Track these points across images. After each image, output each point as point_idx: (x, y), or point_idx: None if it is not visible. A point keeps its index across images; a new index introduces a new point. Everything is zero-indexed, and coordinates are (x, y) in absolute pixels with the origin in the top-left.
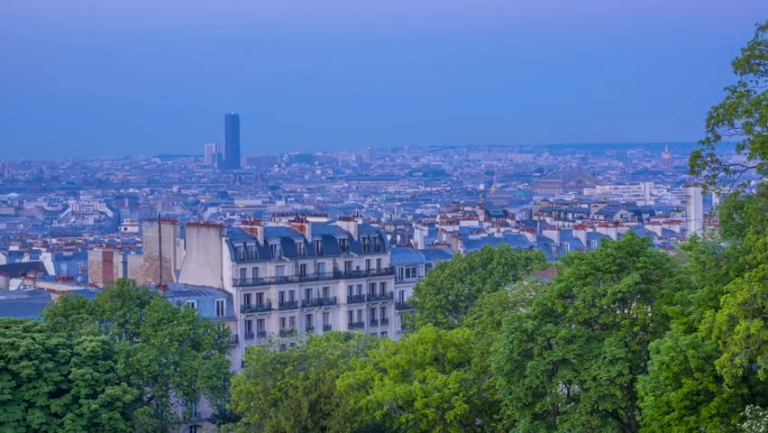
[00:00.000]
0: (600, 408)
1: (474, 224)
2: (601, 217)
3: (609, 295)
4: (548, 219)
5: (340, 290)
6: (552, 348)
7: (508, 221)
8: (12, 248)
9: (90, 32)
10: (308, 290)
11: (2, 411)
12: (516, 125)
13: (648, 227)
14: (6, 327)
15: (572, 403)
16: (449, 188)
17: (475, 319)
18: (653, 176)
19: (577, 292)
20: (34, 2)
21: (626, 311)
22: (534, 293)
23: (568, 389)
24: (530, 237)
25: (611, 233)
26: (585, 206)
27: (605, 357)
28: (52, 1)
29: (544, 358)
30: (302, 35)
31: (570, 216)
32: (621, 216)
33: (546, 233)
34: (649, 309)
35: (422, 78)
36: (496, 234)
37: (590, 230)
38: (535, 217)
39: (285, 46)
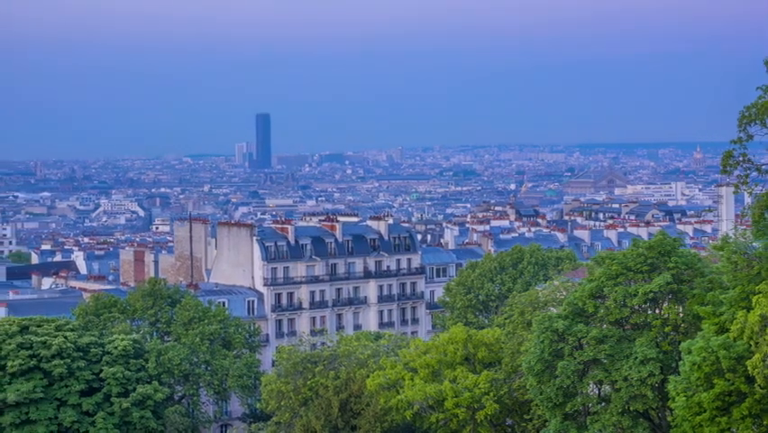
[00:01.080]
0: (631, 408)
1: (505, 223)
2: (632, 217)
3: (641, 295)
4: (579, 219)
5: (370, 289)
6: (582, 348)
7: (539, 221)
8: (44, 247)
9: (120, 33)
10: (339, 290)
11: (34, 410)
12: (547, 125)
13: (680, 227)
14: (39, 326)
15: (603, 403)
16: (480, 188)
17: (506, 319)
18: (685, 176)
19: (608, 292)
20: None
21: (657, 311)
22: (564, 293)
23: (599, 389)
24: (561, 237)
25: (642, 233)
26: (616, 205)
27: (636, 357)
28: (85, 3)
29: (575, 358)
30: (333, 34)
31: (601, 215)
32: (652, 215)
33: (577, 232)
34: (680, 310)
35: (452, 79)
36: (527, 234)
37: (622, 230)
38: (566, 217)
39: (316, 45)
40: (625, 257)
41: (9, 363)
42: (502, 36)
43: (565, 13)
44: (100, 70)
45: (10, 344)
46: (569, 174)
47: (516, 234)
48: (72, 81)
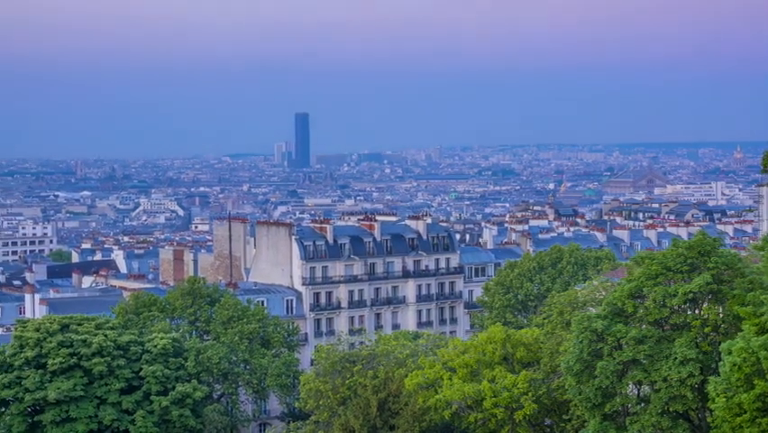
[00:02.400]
0: (671, 409)
1: (544, 223)
2: (672, 217)
3: (680, 295)
4: (618, 219)
5: (409, 289)
6: (622, 348)
7: (578, 220)
8: (84, 246)
9: (158, 34)
10: (377, 289)
11: (74, 408)
12: (586, 124)
13: (720, 227)
14: (79, 325)
15: (643, 404)
16: (518, 188)
17: (544, 319)
18: (725, 175)
19: (647, 292)
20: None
21: (697, 312)
22: (604, 293)
23: (638, 389)
24: (600, 237)
25: (682, 232)
26: (656, 205)
27: (676, 358)
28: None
29: (614, 358)
30: (371, 34)
31: (640, 215)
32: (692, 215)
33: (616, 232)
34: (720, 310)
35: (490, 79)
36: (565, 234)
37: (661, 230)
38: (606, 217)
39: (356, 45)
40: (664, 257)
41: (50, 362)
42: (541, 37)
43: (604, 13)
44: (137, 70)
45: (51, 342)
46: (608, 174)
47: (555, 234)
48: (112, 81)
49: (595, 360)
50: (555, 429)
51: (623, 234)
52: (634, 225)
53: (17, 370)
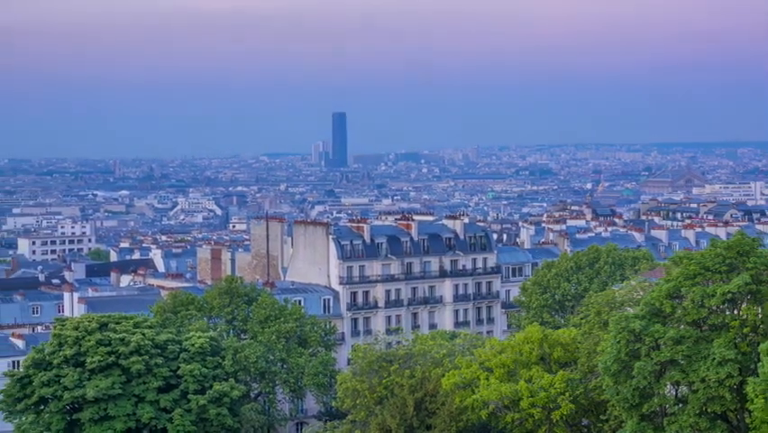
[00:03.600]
0: (709, 410)
1: (581, 223)
2: (711, 217)
3: (719, 295)
4: (656, 219)
5: (446, 288)
6: (659, 349)
7: (616, 220)
8: (122, 245)
9: (191, 35)
10: (414, 289)
11: (112, 406)
12: (623, 124)
13: (759, 227)
14: (117, 323)
15: (680, 405)
16: (556, 187)
17: (582, 319)
18: (765, 175)
19: (685, 292)
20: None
21: (735, 312)
22: (641, 293)
23: (676, 390)
24: (638, 237)
25: (721, 233)
26: (694, 205)
27: (714, 358)
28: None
29: (652, 359)
30: (411, 35)
31: (678, 215)
32: (731, 215)
33: (654, 232)
34: (759, 311)
35: (528, 78)
36: (603, 234)
37: (699, 230)
38: (643, 217)
39: (390, 44)
40: (703, 257)
41: (88, 360)
42: (583, 40)
43: (646, 13)
44: (177, 70)
45: (89, 340)
46: (646, 173)
47: (593, 234)
48: (148, 83)
49: (632, 360)
50: (592, 430)
51: (661, 235)
52: (672, 225)
53: (56, 368)
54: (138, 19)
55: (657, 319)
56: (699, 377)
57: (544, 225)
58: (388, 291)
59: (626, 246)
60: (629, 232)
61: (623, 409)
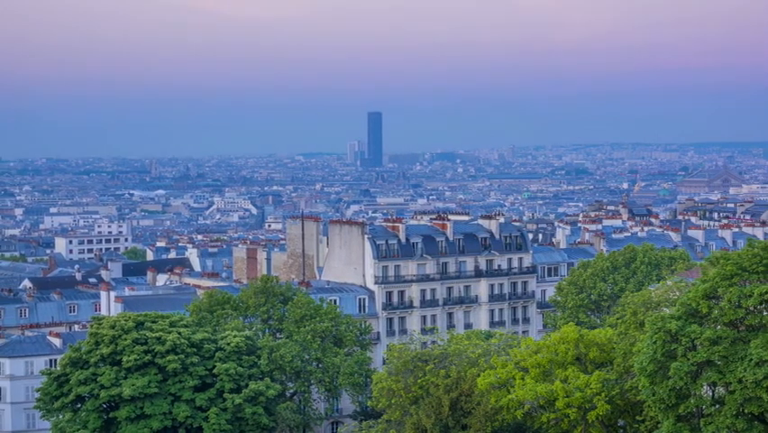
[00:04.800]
0: (746, 411)
1: (617, 223)
2: (748, 217)
3: (756, 296)
4: (693, 219)
5: (481, 288)
6: (696, 349)
7: (652, 220)
8: (159, 244)
9: (230, 39)
10: (449, 288)
11: (149, 404)
12: (660, 124)
13: None
14: (153, 322)
15: (717, 406)
16: (592, 187)
17: (618, 319)
18: None
19: (722, 293)
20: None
21: None
22: (678, 293)
23: (713, 391)
24: (674, 237)
25: (758, 233)
26: (731, 205)
27: (751, 359)
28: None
29: (688, 359)
30: (443, 34)
31: (715, 215)
32: None
33: (691, 232)
34: None
35: (561, 78)
36: (639, 234)
37: (737, 230)
38: (680, 217)
39: (427, 44)
40: (740, 257)
41: (125, 359)
42: (620, 41)
43: (680, 12)
44: (212, 69)
45: (126, 339)
46: (683, 173)
47: (629, 234)
48: (187, 82)
49: (669, 361)
50: (628, 430)
51: (697, 234)
52: (708, 225)
53: (93, 367)
54: (175, 23)
55: (694, 320)
56: (736, 378)
57: (579, 224)
58: (423, 291)
59: (662, 246)
60: (666, 232)
61: (659, 410)
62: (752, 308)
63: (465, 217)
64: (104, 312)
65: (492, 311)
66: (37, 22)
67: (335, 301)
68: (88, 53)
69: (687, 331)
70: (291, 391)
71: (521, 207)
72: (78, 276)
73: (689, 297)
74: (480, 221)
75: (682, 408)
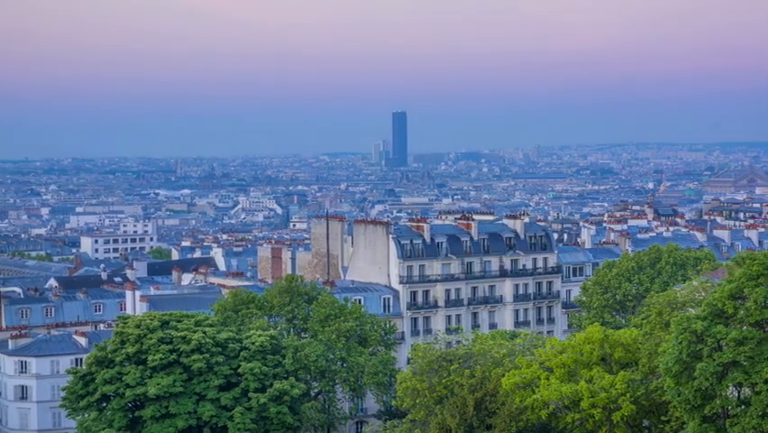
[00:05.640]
0: None
1: (643, 223)
2: None
3: None
4: (719, 219)
5: (506, 288)
6: (722, 350)
7: (678, 220)
8: (184, 243)
9: (257, 40)
10: (474, 288)
11: (174, 403)
12: (686, 123)
13: None
14: (178, 321)
15: (743, 406)
16: (617, 187)
17: (643, 319)
18: None
19: (748, 293)
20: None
21: None
22: (703, 294)
23: (738, 391)
24: (700, 237)
25: None
26: (757, 205)
27: None
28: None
29: (714, 360)
30: (469, 34)
31: (741, 215)
32: None
33: (717, 232)
34: None
35: (588, 79)
36: (665, 234)
37: (762, 230)
38: (706, 217)
39: (452, 44)
40: (766, 257)
41: (150, 358)
42: (642, 39)
43: (702, 10)
44: (238, 70)
45: (151, 338)
46: (708, 173)
47: (654, 234)
48: (210, 82)
49: (694, 361)
50: (653, 431)
51: (723, 234)
52: (734, 225)
53: (118, 366)
54: (203, 25)
55: (719, 320)
56: (762, 378)
57: (605, 224)
58: (447, 291)
59: (687, 246)
60: (691, 232)
61: (684, 411)
62: None
63: (490, 217)
64: (129, 311)
65: (517, 311)
66: (62, 23)
67: (360, 301)
68: (115, 53)
69: (713, 331)
70: (316, 390)
71: (546, 207)
72: (104, 275)
73: (714, 297)
74: (505, 221)
75: (708, 408)
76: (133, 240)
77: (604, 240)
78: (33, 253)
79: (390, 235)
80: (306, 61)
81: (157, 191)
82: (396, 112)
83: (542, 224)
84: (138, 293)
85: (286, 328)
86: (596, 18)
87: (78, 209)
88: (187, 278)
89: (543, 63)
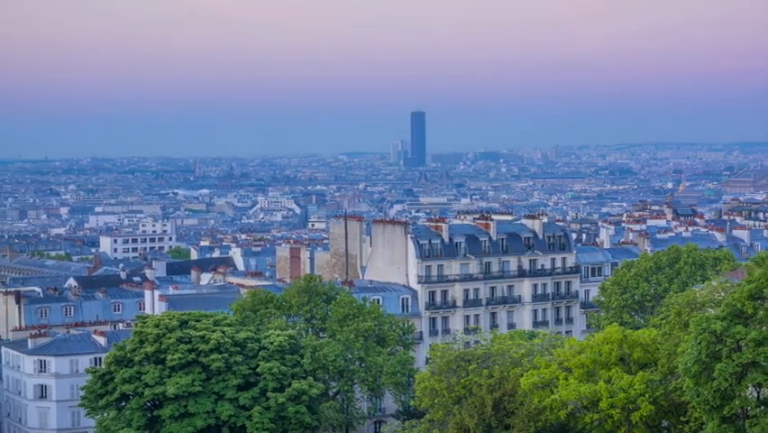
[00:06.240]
0: None
1: (662, 223)
2: None
3: None
4: (738, 218)
5: (524, 288)
6: (741, 350)
7: (697, 220)
8: (203, 243)
9: (279, 34)
10: (493, 288)
11: (192, 403)
12: (705, 123)
13: None
14: (197, 321)
15: (762, 407)
16: (636, 187)
17: (662, 320)
18: None
19: None
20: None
21: None
22: (723, 294)
23: (758, 392)
24: (719, 237)
25: None
26: None
27: None
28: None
29: (733, 360)
30: (489, 34)
31: (761, 215)
32: None
33: (736, 232)
34: None
35: (609, 78)
36: (684, 234)
37: None
38: (725, 217)
39: (470, 44)
40: None
41: (169, 357)
42: (661, 39)
43: (724, 9)
44: (257, 71)
45: (170, 338)
46: (728, 173)
47: (673, 234)
48: (232, 83)
49: (713, 362)
50: (672, 431)
51: (743, 235)
52: (754, 225)
53: (137, 365)
54: (223, 27)
55: (739, 320)
56: None
57: (623, 224)
58: (466, 291)
59: (707, 246)
60: (710, 232)
61: (703, 411)
62: None
63: (508, 217)
64: (148, 311)
65: (535, 311)
66: (80, 25)
67: (378, 301)
68: (133, 55)
69: (732, 332)
70: (334, 390)
71: (565, 207)
72: (123, 275)
73: (734, 297)
74: (524, 221)
75: (727, 409)
76: (152, 240)
77: (623, 240)
78: (53, 253)
79: (409, 235)
80: (324, 62)
81: (176, 191)
82: (414, 112)
83: (560, 224)
84: (157, 293)
85: (304, 328)
86: (615, 19)
87: (98, 209)
88: (205, 278)
89: (562, 63)
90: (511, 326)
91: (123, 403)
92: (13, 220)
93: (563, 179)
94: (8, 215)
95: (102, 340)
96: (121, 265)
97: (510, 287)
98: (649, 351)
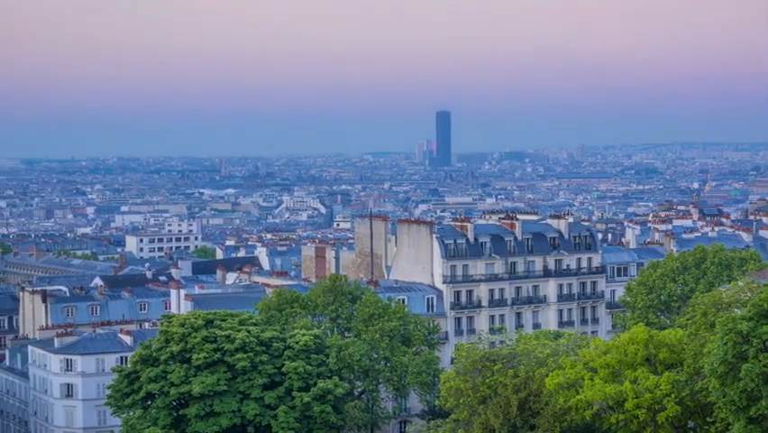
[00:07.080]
0: None
1: (688, 223)
2: None
3: None
4: (765, 219)
5: (550, 288)
6: None
7: (723, 220)
8: (228, 243)
9: (305, 35)
10: (518, 288)
11: (218, 402)
12: (731, 123)
13: None
14: (223, 320)
15: None
16: (662, 187)
17: (688, 320)
18: None
19: None
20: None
21: None
22: (749, 294)
23: None
24: (746, 237)
25: None
26: None
27: None
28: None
29: (760, 361)
30: (511, 33)
31: None
32: None
33: (763, 232)
34: None
35: (633, 77)
36: (710, 234)
37: None
38: (751, 217)
39: (496, 43)
40: None
41: (194, 357)
42: (686, 39)
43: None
44: (281, 70)
45: (195, 337)
46: (754, 173)
47: (699, 234)
48: (257, 81)
49: (740, 362)
50: (698, 432)
51: None
52: None
53: (163, 364)
54: (249, 28)
55: (765, 321)
56: None
57: (649, 224)
58: (491, 291)
59: (733, 247)
60: (737, 232)
61: (730, 412)
62: None
63: (534, 217)
64: (174, 310)
65: (561, 311)
66: (105, 26)
67: (404, 301)
68: (158, 54)
69: (758, 332)
70: (359, 389)
71: (590, 207)
72: (149, 274)
73: (760, 298)
74: (549, 221)
75: (753, 410)
76: (178, 239)
77: (649, 240)
78: (79, 252)
79: (434, 235)
80: (351, 62)
81: (201, 191)
82: (440, 111)
83: (586, 224)
84: (182, 292)
85: (329, 328)
86: (644, 19)
87: (124, 209)
88: (231, 277)
89: (587, 63)
90: (536, 326)
91: (149, 402)
92: (39, 220)
93: (589, 178)
94: (35, 214)
95: (128, 339)
96: (147, 265)
97: (536, 287)
98: (675, 351)
